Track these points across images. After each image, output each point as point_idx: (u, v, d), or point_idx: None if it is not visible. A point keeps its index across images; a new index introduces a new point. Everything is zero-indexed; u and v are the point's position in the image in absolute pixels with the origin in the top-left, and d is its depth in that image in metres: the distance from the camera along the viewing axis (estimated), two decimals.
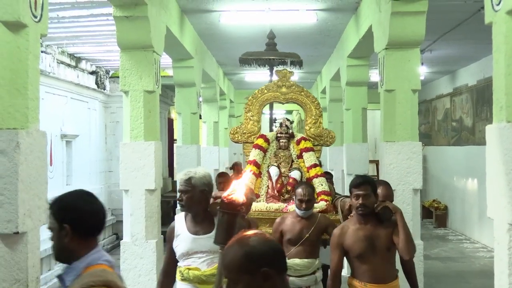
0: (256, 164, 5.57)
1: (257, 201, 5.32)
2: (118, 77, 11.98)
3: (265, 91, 6.04)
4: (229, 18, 7.76)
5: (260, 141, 5.72)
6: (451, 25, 8.15)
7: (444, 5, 6.87)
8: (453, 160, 13.26)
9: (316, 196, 4.98)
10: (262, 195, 5.50)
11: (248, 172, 5.31)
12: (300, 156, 5.65)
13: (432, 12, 5.69)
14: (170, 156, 15.07)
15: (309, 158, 5.57)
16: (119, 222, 10.97)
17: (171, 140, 15.67)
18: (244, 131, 5.95)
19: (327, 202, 5.27)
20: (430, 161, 15.00)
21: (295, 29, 8.54)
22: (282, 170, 5.60)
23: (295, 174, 5.52)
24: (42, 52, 9.21)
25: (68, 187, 10.62)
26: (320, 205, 5.15)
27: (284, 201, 5.44)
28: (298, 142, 5.71)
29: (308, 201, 4.64)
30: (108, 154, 12.83)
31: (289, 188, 5.45)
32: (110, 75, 12.68)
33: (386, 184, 4.49)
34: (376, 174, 13.46)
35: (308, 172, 5.56)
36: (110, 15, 6.70)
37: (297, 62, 7.52)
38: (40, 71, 9.31)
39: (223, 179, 6.99)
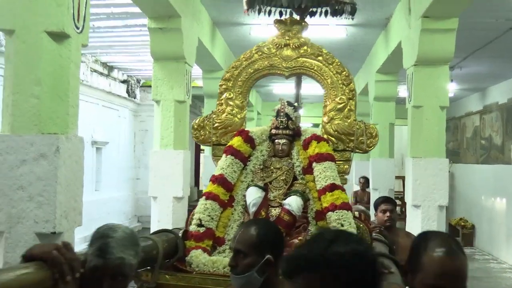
0: (223, 182, 3.13)
1: (217, 254, 3.00)
2: (148, 86, 12.25)
3: (255, 56, 3.52)
4: (260, 31, 7.89)
5: (236, 142, 3.27)
6: (482, 42, 8.14)
7: (475, 23, 6.89)
8: (481, 179, 13.11)
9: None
10: (230, 241, 2.79)
11: (201, 200, 3.11)
12: (308, 170, 3.16)
13: (463, 30, 5.72)
14: (196, 166, 15.25)
15: (323, 174, 3.07)
16: (145, 229, 11.14)
17: (197, 150, 15.85)
18: (216, 124, 3.47)
19: None
20: (458, 179, 14.85)
21: (324, 43, 8.58)
22: (272, 194, 3.15)
23: (292, 204, 3.03)
24: None
25: (96, 193, 10.86)
26: None
27: None
28: (306, 144, 3.21)
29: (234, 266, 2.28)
30: (136, 161, 13.06)
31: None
32: (141, 84, 12.94)
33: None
34: (402, 189, 13.40)
35: (319, 199, 3.08)
36: (143, 26, 6.90)
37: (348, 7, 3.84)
38: None
39: None
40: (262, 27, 7.81)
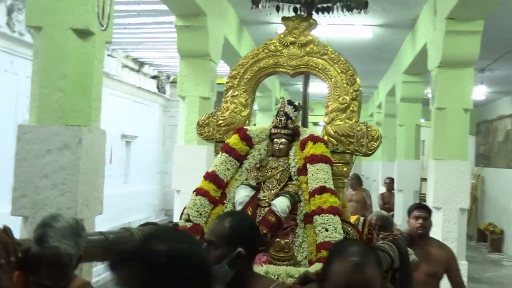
0: (214, 179, 3.09)
1: None
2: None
3: (262, 54, 3.46)
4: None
5: (233, 140, 3.22)
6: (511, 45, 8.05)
7: (505, 26, 6.83)
8: None
9: (312, 252, 2.84)
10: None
11: (192, 196, 3.11)
12: (302, 171, 3.05)
13: (490, 32, 5.70)
14: None
15: (315, 176, 2.98)
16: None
17: None
18: (220, 121, 3.43)
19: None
20: (488, 183, 14.64)
21: (351, 43, 8.66)
22: (263, 194, 3.04)
23: (277, 205, 2.92)
24: (108, 55, 9.73)
25: (125, 185, 11.11)
26: (315, 267, 2.66)
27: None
28: (303, 145, 3.12)
29: None
30: (165, 156, 13.29)
31: (263, 230, 2.85)
32: (170, 80, 13.16)
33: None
34: None
35: (309, 201, 2.97)
36: (172, 23, 7.05)
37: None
38: (105, 74, 9.86)
39: None
40: None
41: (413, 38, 7.60)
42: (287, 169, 3.10)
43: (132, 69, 11.01)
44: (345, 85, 3.28)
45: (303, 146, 3.11)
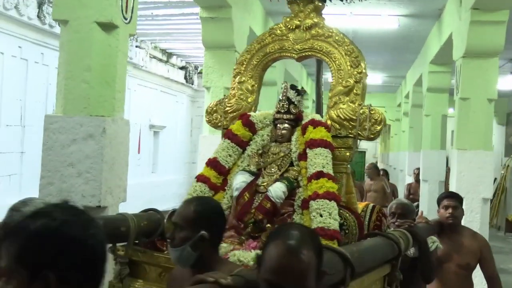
0: (215, 166, 3.06)
1: None
2: None
3: (268, 39, 3.38)
4: None
5: (236, 127, 3.17)
6: None
7: None
8: None
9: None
10: None
11: (192, 182, 3.09)
12: (303, 156, 2.96)
13: None
14: None
15: (314, 160, 2.89)
16: None
17: None
18: (227, 108, 3.38)
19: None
20: None
21: (377, 33, 8.63)
22: (263, 180, 2.97)
23: (273, 191, 2.85)
24: (136, 47, 9.91)
25: (153, 175, 11.31)
26: None
27: (250, 238, 2.83)
28: (304, 129, 3.03)
29: None
30: (193, 146, 13.45)
31: (259, 216, 2.82)
32: (198, 71, 13.29)
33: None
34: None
35: (307, 187, 2.89)
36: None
37: None
38: (133, 64, 10.00)
39: None
40: None
41: (439, 28, 7.54)
42: (288, 154, 3.02)
43: (160, 60, 11.17)
44: (349, 67, 3.14)
45: (304, 130, 3.03)
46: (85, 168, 3.25)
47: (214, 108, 3.42)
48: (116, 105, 3.41)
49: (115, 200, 3.42)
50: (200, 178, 3.03)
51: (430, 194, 8.42)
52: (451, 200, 3.94)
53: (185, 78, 12.64)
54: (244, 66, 3.41)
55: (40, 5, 7.17)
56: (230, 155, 3.09)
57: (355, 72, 3.13)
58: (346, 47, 3.17)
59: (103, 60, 3.34)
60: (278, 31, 3.36)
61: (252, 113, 3.24)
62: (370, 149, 35.63)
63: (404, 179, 12.62)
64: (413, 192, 10.18)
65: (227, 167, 3.06)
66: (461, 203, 4.02)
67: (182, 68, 12.45)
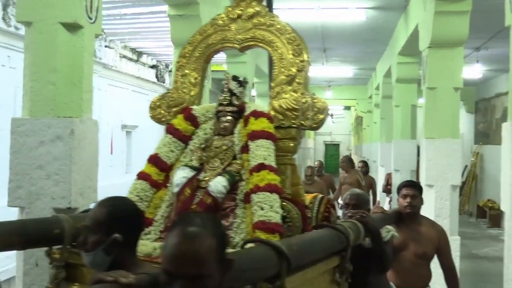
0: (156, 162, 2.97)
1: (143, 235, 2.66)
2: None
3: (210, 30, 3.28)
4: (280, 16, 8.01)
5: (178, 121, 3.09)
6: (502, 23, 8.07)
7: (495, 4, 6.85)
8: None
9: (249, 233, 2.62)
10: (158, 221, 2.86)
11: (134, 180, 2.95)
12: (245, 148, 2.88)
13: (485, 11, 5.73)
14: None
15: (255, 152, 2.80)
16: None
17: None
18: (170, 103, 3.26)
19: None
20: (487, 161, 14.72)
21: (346, 26, 8.72)
22: (205, 175, 2.87)
23: (215, 186, 2.76)
24: (105, 47, 9.82)
25: (127, 175, 11.24)
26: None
27: None
28: (246, 121, 2.96)
29: None
30: None
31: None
32: (169, 69, 13.23)
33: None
34: None
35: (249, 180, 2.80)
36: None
37: None
38: (103, 65, 9.90)
39: None
40: (282, 11, 7.94)
41: (406, 19, 7.66)
42: (231, 147, 2.92)
43: (130, 59, 11.10)
44: (291, 56, 3.03)
45: (246, 122, 2.93)
46: (54, 170, 3.24)
47: (158, 103, 3.28)
48: (83, 106, 3.39)
49: (86, 201, 3.41)
50: (141, 176, 2.91)
51: None
52: (410, 189, 3.91)
53: (157, 76, 12.57)
54: (186, 58, 3.29)
55: (5, 7, 7.07)
56: (172, 151, 2.99)
57: (297, 61, 3.02)
58: (288, 36, 3.06)
59: (68, 60, 3.33)
60: (220, 22, 3.25)
61: (194, 107, 3.14)
62: (344, 141, 36.01)
63: (377, 170, 12.78)
64: (391, 182, 10.29)
65: (169, 163, 2.95)
66: (421, 192, 3.99)
67: (153, 66, 12.38)
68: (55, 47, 3.30)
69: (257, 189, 2.63)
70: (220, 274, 1.51)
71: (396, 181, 9.02)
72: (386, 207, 9.56)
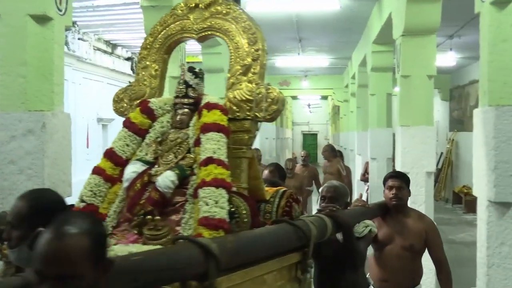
0: (111, 156, 2.87)
1: None
2: None
3: (170, 20, 3.19)
4: (255, 6, 8.02)
5: (134, 114, 3.00)
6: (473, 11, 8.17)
7: None
8: None
9: (196, 229, 2.47)
10: (111, 216, 2.75)
11: (89, 175, 2.84)
12: (197, 142, 2.80)
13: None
14: None
15: (205, 146, 2.71)
16: None
17: None
18: (132, 95, 3.19)
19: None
20: (462, 147, 14.92)
21: (320, 16, 8.74)
22: (157, 169, 2.79)
23: (162, 181, 2.67)
24: (79, 39, 9.69)
25: None
26: None
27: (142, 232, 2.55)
28: (200, 113, 2.89)
29: None
30: None
31: (148, 208, 2.61)
32: None
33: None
34: None
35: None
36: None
37: None
38: (77, 57, 9.76)
39: None
40: (257, 1, 7.94)
41: (380, 8, 7.70)
42: (186, 140, 2.83)
43: (105, 51, 10.98)
44: (246, 45, 2.92)
45: (200, 114, 2.85)
46: (27, 165, 3.20)
47: (121, 96, 3.18)
48: (55, 99, 3.35)
49: None
50: (96, 170, 2.81)
51: (378, 172, 8.64)
52: (396, 180, 3.79)
53: (132, 69, 12.46)
54: (147, 50, 3.18)
55: None
56: (127, 145, 2.89)
57: (252, 50, 2.91)
58: (243, 24, 2.95)
59: (38, 53, 3.28)
60: (179, 11, 3.12)
61: (152, 100, 3.03)
62: (322, 131, 36.20)
63: (354, 159, 12.88)
64: (369, 171, 10.27)
65: (124, 157, 2.85)
66: (408, 184, 3.88)
67: (128, 59, 12.27)
68: (25, 40, 3.25)
69: (203, 183, 2.52)
70: (95, 275, 1.46)
71: (373, 169, 9.10)
72: (363, 196, 9.62)
